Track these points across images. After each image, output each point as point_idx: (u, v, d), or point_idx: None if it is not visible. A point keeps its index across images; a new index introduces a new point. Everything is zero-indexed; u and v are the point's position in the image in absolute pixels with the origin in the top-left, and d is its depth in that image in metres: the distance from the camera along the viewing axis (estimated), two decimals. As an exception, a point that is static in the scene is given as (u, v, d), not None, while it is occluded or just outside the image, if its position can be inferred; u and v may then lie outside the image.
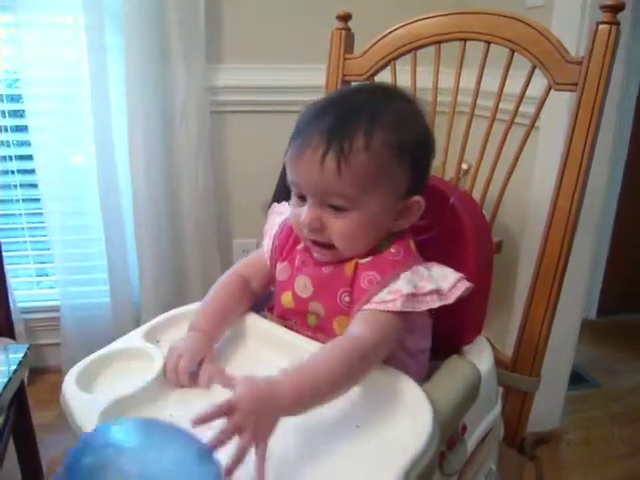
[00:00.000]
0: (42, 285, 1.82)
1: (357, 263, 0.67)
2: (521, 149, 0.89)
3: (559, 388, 1.57)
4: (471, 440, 0.66)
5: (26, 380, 1.68)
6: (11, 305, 1.66)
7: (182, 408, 0.61)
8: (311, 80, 1.43)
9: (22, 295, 1.76)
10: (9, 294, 1.60)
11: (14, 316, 1.66)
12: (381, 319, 0.63)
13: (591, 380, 1.85)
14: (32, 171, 1.61)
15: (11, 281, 1.68)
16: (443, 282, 0.65)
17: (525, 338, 0.82)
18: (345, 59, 0.98)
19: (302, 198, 0.68)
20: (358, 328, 0.62)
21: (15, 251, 1.76)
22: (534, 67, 0.83)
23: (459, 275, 0.66)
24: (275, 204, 0.81)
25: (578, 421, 1.65)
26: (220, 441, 0.49)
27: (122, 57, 1.51)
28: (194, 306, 0.75)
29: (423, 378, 0.68)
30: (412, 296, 0.63)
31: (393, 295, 0.63)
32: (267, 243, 0.77)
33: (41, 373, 1.74)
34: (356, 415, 0.58)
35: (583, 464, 1.47)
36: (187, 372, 0.64)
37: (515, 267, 1.52)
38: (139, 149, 1.56)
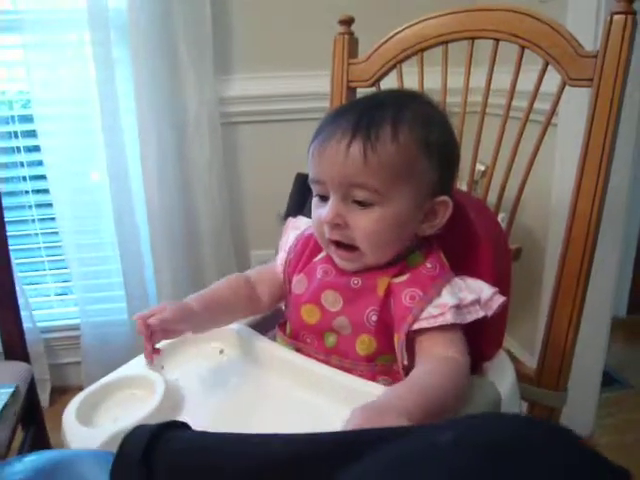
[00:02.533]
0: (62, 304, 1.82)
1: (390, 282, 0.64)
2: (537, 147, 0.85)
3: (591, 392, 1.51)
4: (493, 466, 0.61)
5: (48, 400, 1.71)
6: (30, 325, 1.68)
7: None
8: (321, 87, 1.40)
9: (42, 315, 1.76)
10: (24, 315, 1.62)
11: (33, 336, 1.68)
12: (450, 335, 0.61)
13: (623, 381, 1.77)
14: (47, 191, 1.61)
15: (30, 301, 1.70)
16: (480, 293, 0.64)
17: (549, 351, 0.78)
18: (349, 64, 0.95)
19: (324, 198, 0.65)
20: (441, 350, 0.60)
21: (33, 271, 1.76)
22: (547, 63, 0.79)
23: (494, 288, 0.64)
24: (290, 219, 0.78)
25: (611, 425, 1.58)
26: None
27: (130, 72, 1.50)
28: (199, 329, 0.73)
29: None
30: (458, 307, 0.62)
31: (440, 309, 0.62)
32: (281, 257, 0.75)
33: (63, 392, 1.74)
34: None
35: (619, 471, 1.41)
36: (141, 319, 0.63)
37: (541, 270, 1.47)
38: (151, 164, 1.55)
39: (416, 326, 0.62)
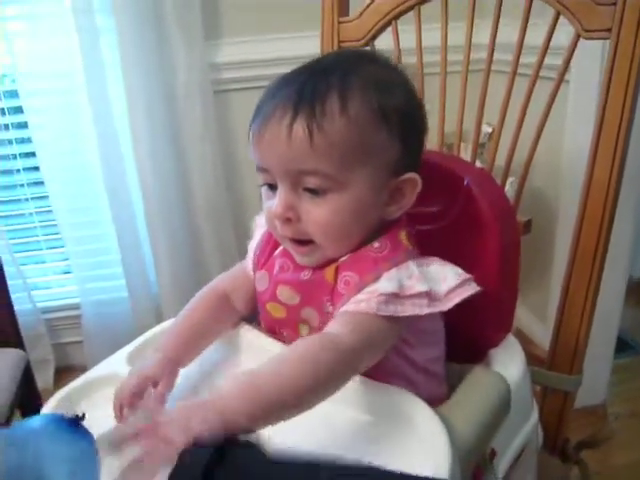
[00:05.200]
0: (61, 283, 1.79)
1: (337, 266, 0.56)
2: (550, 106, 0.76)
3: (605, 358, 1.46)
4: (503, 463, 0.57)
5: (52, 380, 1.69)
6: (30, 306, 1.66)
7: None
8: (318, 48, 1.32)
9: (42, 295, 1.73)
10: (22, 297, 1.60)
11: (34, 317, 1.66)
12: (362, 319, 0.52)
13: (637, 346, 1.72)
14: (38, 168, 1.56)
15: (29, 282, 1.66)
16: (440, 284, 0.54)
17: (562, 333, 0.72)
18: (340, 23, 0.87)
19: (273, 187, 0.56)
20: (333, 326, 0.52)
21: (30, 251, 1.72)
22: (558, 14, 0.71)
23: (464, 277, 0.55)
24: (256, 217, 0.71)
25: (625, 392, 1.54)
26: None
27: (116, 40, 1.43)
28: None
29: (441, 391, 0.60)
30: (394, 297, 0.52)
31: (368, 295, 0.53)
32: (250, 258, 0.68)
33: (67, 372, 1.72)
34: (357, 448, 0.49)
35: (632, 439, 1.37)
36: (126, 394, 0.55)
37: (553, 235, 1.41)
38: (142, 137, 1.49)
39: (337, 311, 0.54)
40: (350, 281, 0.55)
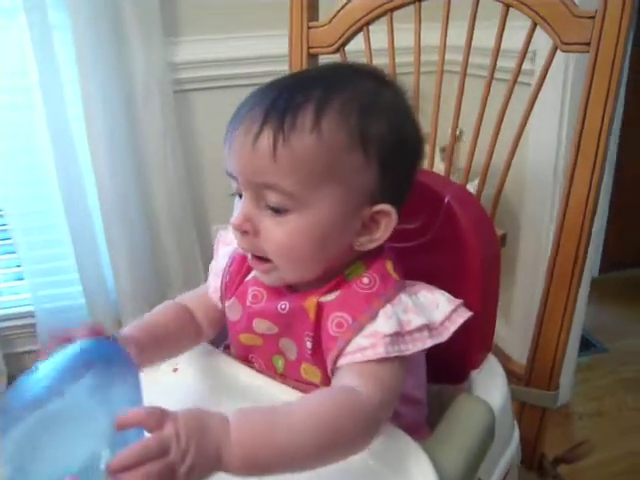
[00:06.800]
0: (14, 291, 1.71)
1: (319, 302, 0.53)
2: (528, 114, 0.76)
3: (569, 358, 1.47)
4: (488, 490, 0.56)
5: (5, 391, 1.61)
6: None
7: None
8: (282, 48, 1.28)
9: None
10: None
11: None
12: (376, 370, 0.49)
13: (598, 344, 1.75)
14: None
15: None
16: (434, 312, 0.52)
17: (540, 349, 0.71)
18: (309, 28, 0.83)
19: (242, 196, 0.54)
20: (351, 382, 0.48)
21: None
22: (535, 24, 0.70)
23: (454, 303, 0.53)
24: (220, 233, 0.66)
25: (588, 391, 1.57)
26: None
27: (71, 38, 1.36)
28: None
29: (422, 415, 0.58)
30: (396, 335, 0.50)
31: (372, 339, 0.49)
32: (213, 283, 0.63)
33: (21, 383, 1.64)
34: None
35: (597, 438, 1.39)
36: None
37: (517, 237, 1.42)
38: (99, 138, 1.43)
39: (340, 362, 0.51)
40: (343, 323, 0.51)
